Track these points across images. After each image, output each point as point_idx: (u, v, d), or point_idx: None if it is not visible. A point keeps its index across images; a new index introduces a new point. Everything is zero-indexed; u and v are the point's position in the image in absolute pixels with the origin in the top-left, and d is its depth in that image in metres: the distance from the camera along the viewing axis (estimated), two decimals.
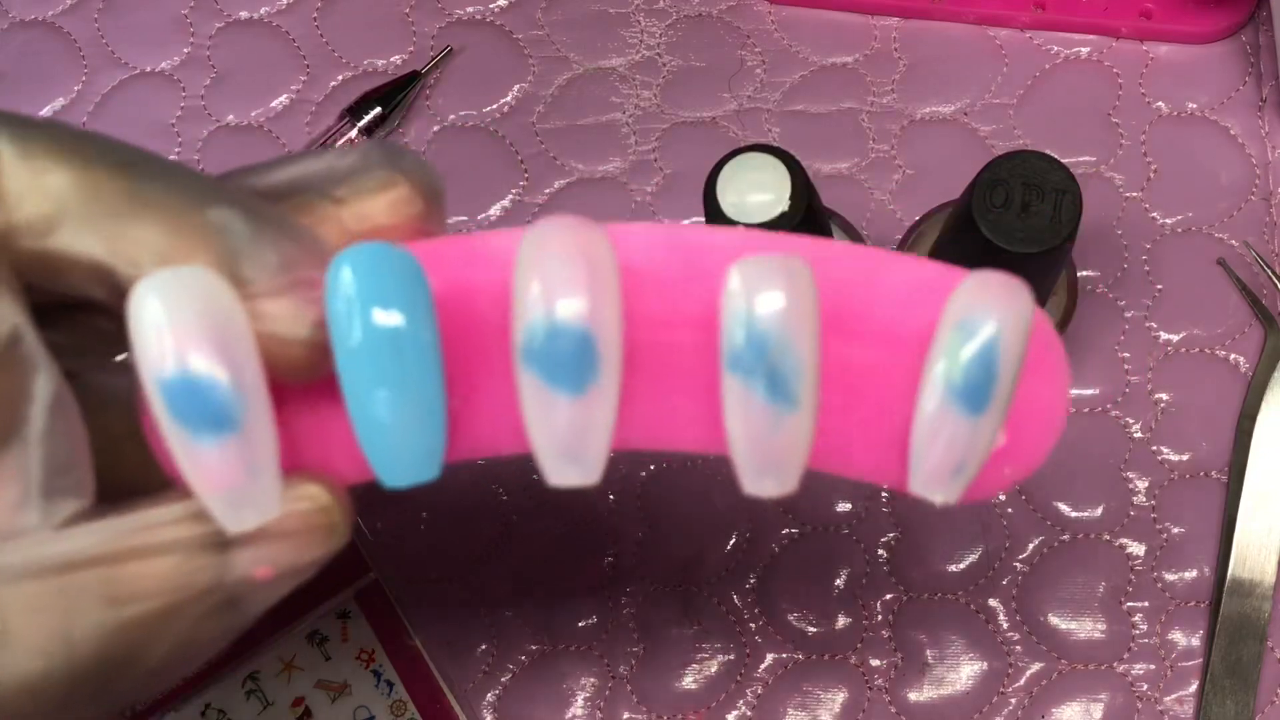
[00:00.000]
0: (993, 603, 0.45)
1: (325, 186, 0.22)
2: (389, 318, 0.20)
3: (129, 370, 0.21)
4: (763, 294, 0.20)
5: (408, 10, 0.53)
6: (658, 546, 0.47)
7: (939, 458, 0.22)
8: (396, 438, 0.21)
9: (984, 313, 0.21)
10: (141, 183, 0.20)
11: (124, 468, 0.23)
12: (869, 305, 0.22)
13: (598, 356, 0.20)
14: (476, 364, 0.22)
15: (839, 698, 0.45)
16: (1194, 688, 0.44)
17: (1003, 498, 0.46)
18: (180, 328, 0.19)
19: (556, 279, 0.20)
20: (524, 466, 0.49)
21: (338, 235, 0.22)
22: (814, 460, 0.23)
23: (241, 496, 0.20)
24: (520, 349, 0.20)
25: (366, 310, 0.20)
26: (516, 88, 0.51)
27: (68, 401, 0.21)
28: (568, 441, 0.21)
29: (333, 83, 0.52)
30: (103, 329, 0.24)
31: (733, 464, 0.21)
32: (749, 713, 0.45)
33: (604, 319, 0.20)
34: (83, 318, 0.24)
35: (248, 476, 0.20)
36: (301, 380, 0.21)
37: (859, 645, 0.45)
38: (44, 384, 0.21)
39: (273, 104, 0.52)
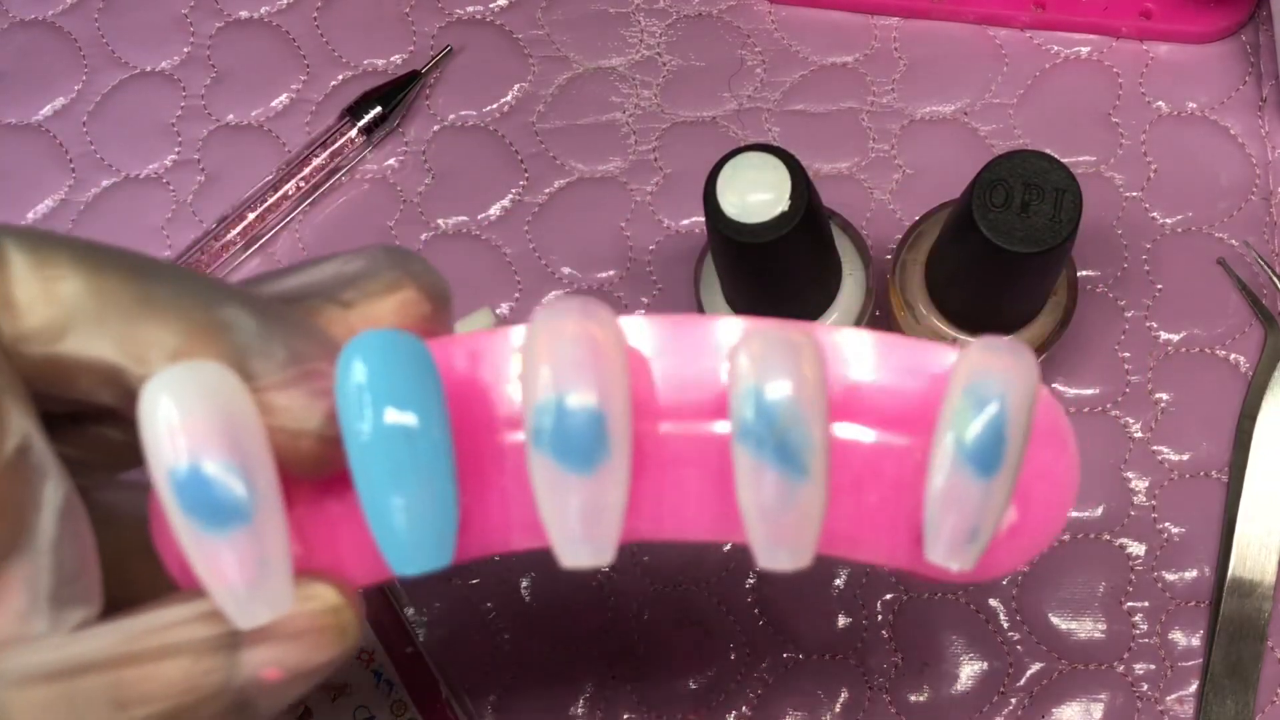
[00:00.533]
0: (993, 603, 0.45)
1: (333, 290, 0.22)
2: (401, 416, 0.20)
3: (135, 487, 0.21)
4: (770, 366, 0.20)
5: (408, 10, 0.53)
6: (658, 547, 0.47)
7: (954, 523, 0.22)
8: (410, 528, 0.21)
9: (991, 376, 0.21)
10: (151, 286, 0.21)
11: (131, 583, 0.23)
12: (872, 386, 0.22)
13: (607, 435, 0.20)
14: (485, 460, 0.22)
15: (839, 698, 0.45)
16: (1194, 688, 0.44)
17: None
18: (191, 422, 0.19)
19: (565, 361, 0.20)
20: None
21: (346, 337, 0.22)
22: (824, 543, 0.23)
23: (253, 591, 0.20)
24: (532, 431, 0.20)
25: (378, 403, 0.20)
26: (516, 88, 0.51)
27: (77, 509, 0.21)
28: (580, 521, 0.21)
29: (333, 83, 0.52)
30: (111, 442, 0.24)
31: (748, 540, 0.22)
32: (749, 713, 0.45)
33: (612, 397, 0.20)
34: (91, 430, 0.24)
35: (259, 570, 0.20)
36: (312, 475, 0.21)
37: (859, 645, 0.45)
38: (53, 492, 0.21)
39: (273, 104, 0.52)
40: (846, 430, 0.22)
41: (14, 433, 0.20)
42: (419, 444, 0.20)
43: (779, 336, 0.21)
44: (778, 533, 0.21)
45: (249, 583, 0.20)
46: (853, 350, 0.22)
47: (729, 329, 0.22)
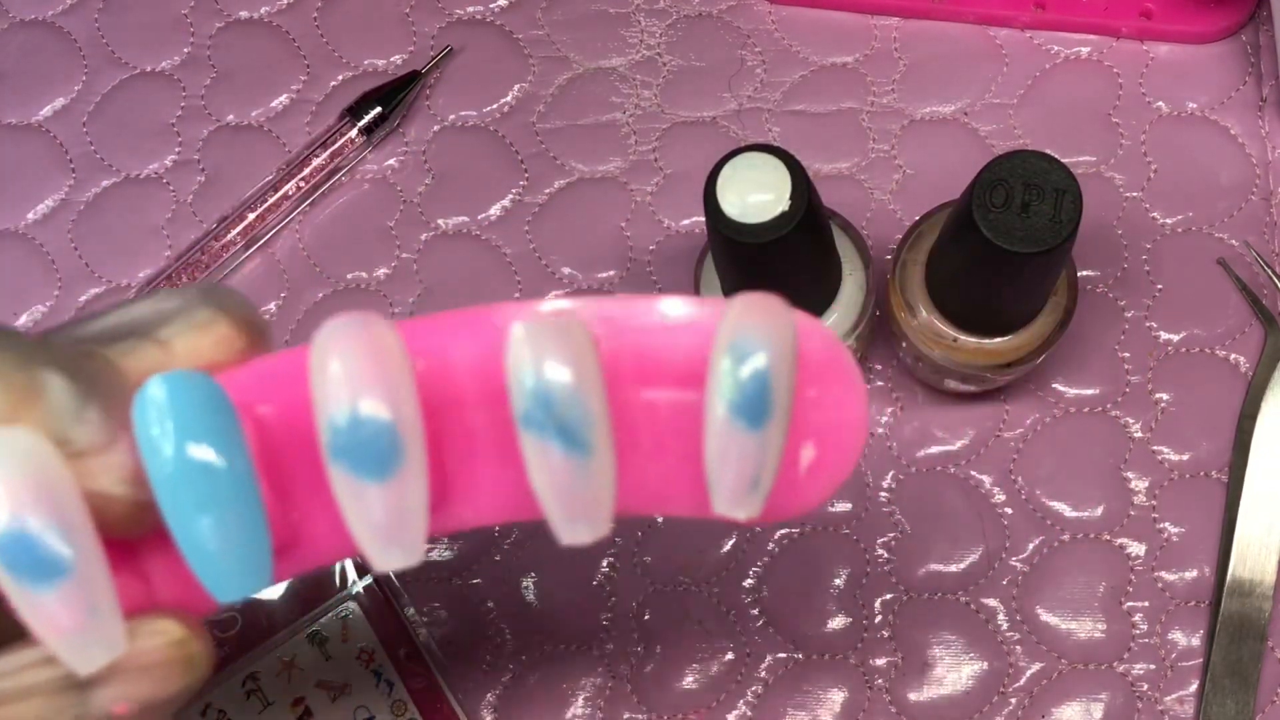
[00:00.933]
0: (993, 603, 0.45)
1: (151, 329, 0.23)
2: (196, 449, 0.21)
3: None
4: (541, 351, 0.21)
5: (408, 10, 0.53)
6: (658, 546, 0.47)
7: (732, 476, 0.22)
8: (221, 555, 0.21)
9: (749, 331, 0.22)
10: None
11: None
12: (661, 349, 0.23)
13: (399, 440, 0.21)
14: (305, 477, 0.23)
15: (839, 698, 0.45)
16: (1194, 688, 0.44)
17: (1003, 497, 0.46)
18: (9, 487, 0.20)
19: (350, 372, 0.21)
20: None
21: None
22: (635, 503, 0.23)
23: (85, 638, 0.21)
24: (326, 446, 0.21)
25: (173, 439, 0.21)
26: (516, 88, 0.51)
27: None
28: (385, 527, 0.21)
29: (333, 83, 0.52)
30: None
31: (547, 519, 0.22)
32: (749, 713, 0.45)
33: (400, 403, 0.21)
34: None
35: (88, 618, 0.21)
36: (129, 534, 0.22)
37: (859, 645, 0.45)
38: None
39: (273, 104, 0.52)
40: (643, 394, 0.23)
41: None
42: (215, 474, 0.21)
43: (548, 321, 0.21)
44: (572, 509, 0.22)
45: (80, 629, 0.21)
46: (638, 316, 0.23)
47: (509, 310, 0.23)
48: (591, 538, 0.22)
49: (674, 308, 0.23)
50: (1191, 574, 0.45)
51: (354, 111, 0.50)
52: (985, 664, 0.44)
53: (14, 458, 0.20)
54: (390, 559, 0.22)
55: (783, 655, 0.45)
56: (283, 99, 0.52)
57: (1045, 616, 0.45)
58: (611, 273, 0.49)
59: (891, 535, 0.46)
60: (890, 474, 0.47)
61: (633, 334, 0.23)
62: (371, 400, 0.21)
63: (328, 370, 0.21)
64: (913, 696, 0.44)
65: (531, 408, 0.21)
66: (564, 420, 0.21)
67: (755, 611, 0.45)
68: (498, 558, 0.47)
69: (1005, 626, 0.45)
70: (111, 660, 0.21)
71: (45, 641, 0.21)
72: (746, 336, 0.22)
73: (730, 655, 0.45)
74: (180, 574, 0.23)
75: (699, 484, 0.23)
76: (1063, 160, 0.36)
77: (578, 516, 0.22)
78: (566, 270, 0.49)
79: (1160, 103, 0.49)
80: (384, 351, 0.21)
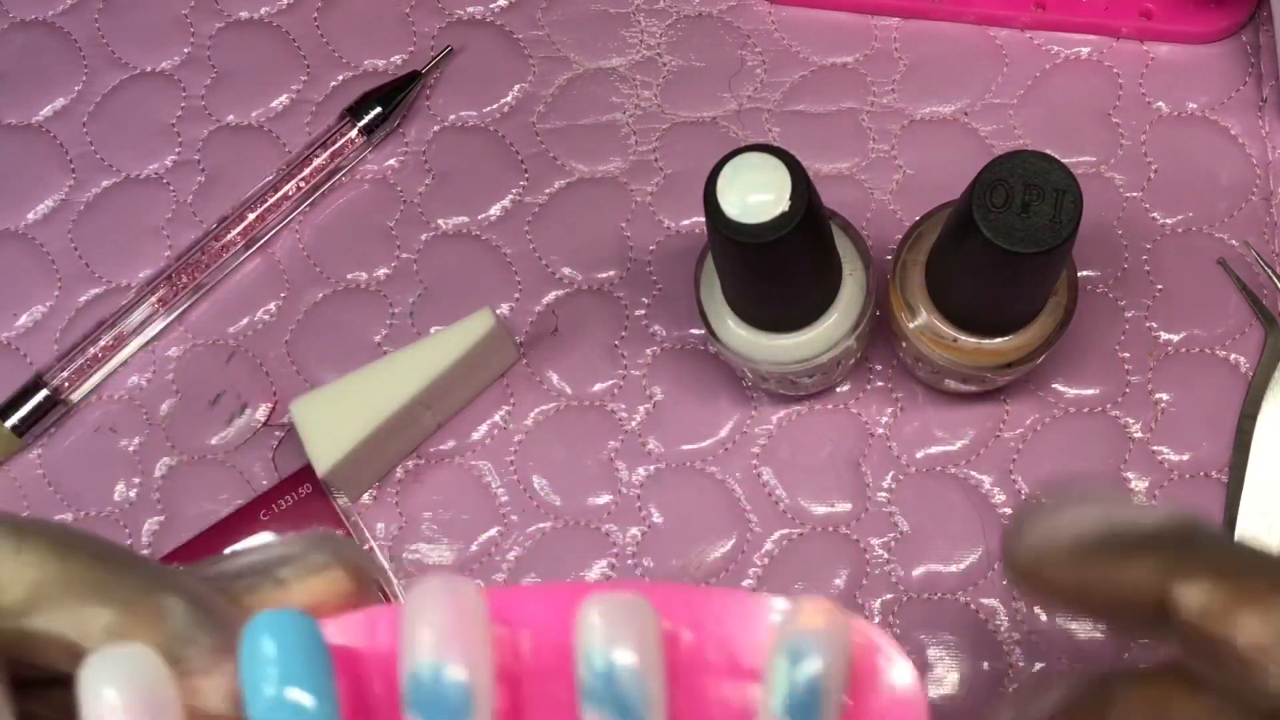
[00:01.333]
0: (993, 603, 0.45)
1: (272, 569, 0.26)
2: (292, 692, 0.23)
3: None
4: (609, 629, 0.23)
5: (408, 10, 0.53)
6: (658, 546, 0.47)
7: None
8: None
9: (805, 636, 0.23)
10: (108, 573, 0.24)
11: None
12: (724, 641, 0.25)
13: (471, 699, 0.23)
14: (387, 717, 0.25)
15: None
16: None
17: (1003, 497, 0.46)
18: (116, 698, 0.22)
19: (438, 631, 0.23)
20: (520, 466, 0.49)
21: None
22: None
23: None
24: (406, 697, 0.23)
25: (273, 679, 0.23)
26: (516, 88, 0.51)
27: None
28: None
29: (333, 83, 0.52)
30: (74, 704, 0.27)
31: None
32: None
33: (477, 664, 0.23)
34: (58, 693, 0.26)
35: None
36: None
37: None
38: None
39: (273, 104, 0.52)
40: (702, 682, 0.24)
41: None
42: (305, 715, 0.23)
43: (618, 598, 0.23)
44: None
45: None
46: (705, 606, 0.25)
47: (587, 589, 0.25)
48: None
49: (739, 600, 0.25)
50: None
51: (354, 111, 0.50)
52: (985, 664, 0.44)
53: (132, 672, 0.23)
54: None
55: None
56: (283, 99, 0.52)
57: (1045, 617, 0.45)
58: (611, 273, 0.49)
59: (891, 535, 0.46)
60: (890, 474, 0.47)
61: (699, 623, 0.25)
62: (452, 663, 0.23)
63: (415, 624, 0.23)
64: None
65: (595, 684, 0.23)
66: (622, 699, 0.23)
67: None
68: (497, 558, 0.47)
69: (1005, 626, 0.45)
70: None
71: None
72: (801, 642, 0.23)
73: None
74: None
75: None
76: (1063, 160, 0.36)
77: None
78: (566, 270, 0.49)
79: (1160, 103, 0.49)
80: (468, 616, 0.23)
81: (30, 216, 0.51)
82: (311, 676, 0.23)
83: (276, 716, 0.23)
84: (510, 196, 0.50)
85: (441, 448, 0.48)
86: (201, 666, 0.24)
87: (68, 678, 0.24)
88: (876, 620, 0.45)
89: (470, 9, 0.52)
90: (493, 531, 0.47)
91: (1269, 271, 0.47)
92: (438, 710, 0.23)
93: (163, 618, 0.24)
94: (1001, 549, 0.26)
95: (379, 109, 0.50)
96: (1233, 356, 0.47)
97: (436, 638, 0.23)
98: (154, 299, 0.49)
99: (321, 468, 0.44)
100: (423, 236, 0.50)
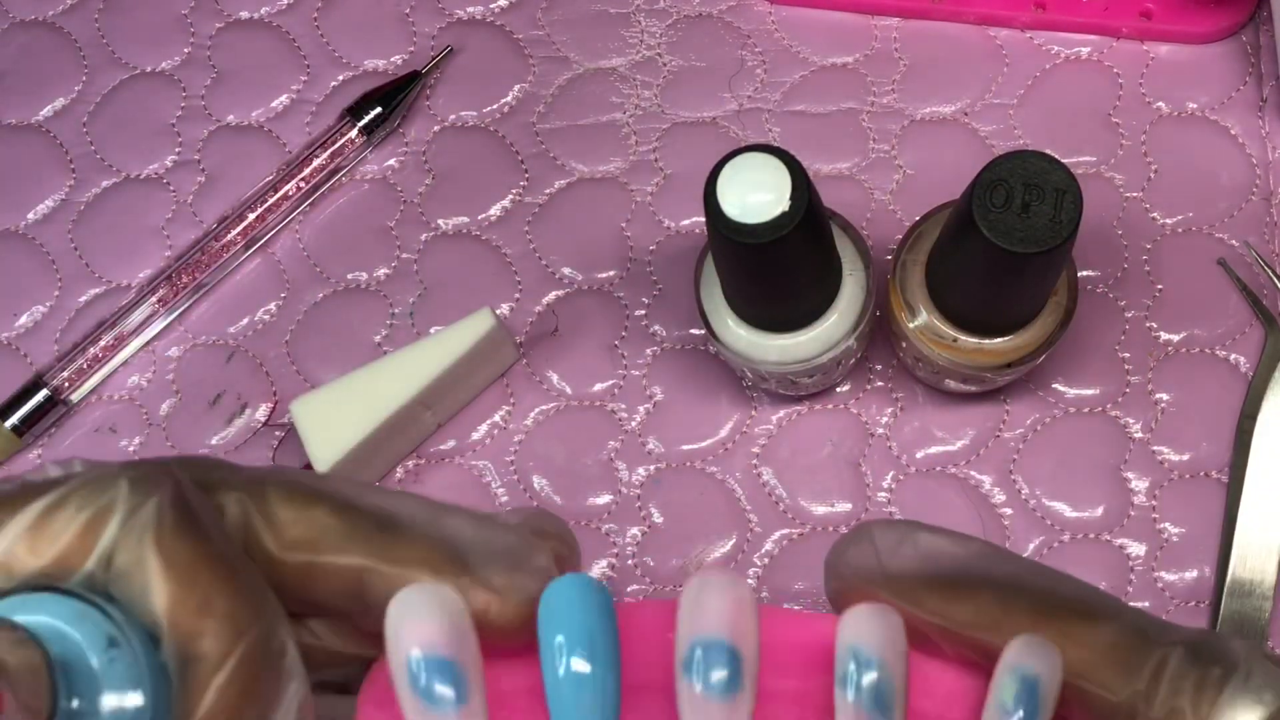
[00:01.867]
0: None
1: (524, 560, 0.27)
2: (581, 665, 0.25)
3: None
4: (872, 625, 0.25)
5: (408, 10, 0.53)
6: (658, 546, 0.47)
7: None
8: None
9: (1032, 659, 0.25)
10: (387, 504, 0.27)
11: None
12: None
13: (742, 669, 0.25)
14: (646, 695, 0.27)
15: None
16: None
17: (1003, 497, 0.46)
18: (423, 626, 0.25)
19: (716, 608, 0.25)
20: (520, 466, 0.49)
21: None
22: None
23: None
24: (681, 661, 0.25)
25: (573, 650, 0.25)
26: (516, 88, 0.51)
27: (308, 709, 0.26)
28: None
29: (333, 83, 0.52)
30: (308, 646, 0.28)
31: None
32: None
33: (747, 641, 0.25)
34: (300, 631, 0.28)
35: None
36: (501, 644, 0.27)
37: None
38: (294, 692, 0.25)
39: (273, 104, 0.52)
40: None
41: (280, 638, 0.25)
42: (601, 688, 0.25)
43: (875, 609, 0.26)
44: None
45: None
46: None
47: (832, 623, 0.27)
48: None
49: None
50: (1191, 574, 0.45)
51: (354, 111, 0.50)
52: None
53: (439, 605, 0.25)
54: None
55: None
56: (283, 99, 0.52)
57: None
58: (611, 273, 0.49)
59: None
60: (890, 474, 0.47)
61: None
62: (726, 630, 0.25)
63: (699, 599, 0.25)
64: None
65: (851, 671, 0.25)
66: (879, 687, 0.25)
67: None
68: None
69: None
70: None
71: None
72: (1031, 663, 0.25)
73: None
74: None
75: None
76: (1063, 160, 0.36)
77: None
78: (567, 270, 0.49)
79: (1160, 103, 0.49)
80: (744, 600, 0.25)
81: (30, 216, 0.51)
82: (606, 651, 0.25)
83: (573, 685, 0.25)
84: (510, 196, 0.50)
85: (442, 448, 0.48)
86: (488, 578, 0.26)
87: (320, 614, 0.27)
88: None
89: (470, 9, 0.52)
90: None
91: (1269, 271, 0.47)
92: (712, 673, 0.25)
93: (450, 540, 0.26)
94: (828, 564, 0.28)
95: (379, 109, 0.50)
96: (1233, 356, 0.47)
97: (718, 610, 0.25)
98: (154, 299, 0.49)
99: (322, 468, 0.44)
100: (423, 236, 0.50)
